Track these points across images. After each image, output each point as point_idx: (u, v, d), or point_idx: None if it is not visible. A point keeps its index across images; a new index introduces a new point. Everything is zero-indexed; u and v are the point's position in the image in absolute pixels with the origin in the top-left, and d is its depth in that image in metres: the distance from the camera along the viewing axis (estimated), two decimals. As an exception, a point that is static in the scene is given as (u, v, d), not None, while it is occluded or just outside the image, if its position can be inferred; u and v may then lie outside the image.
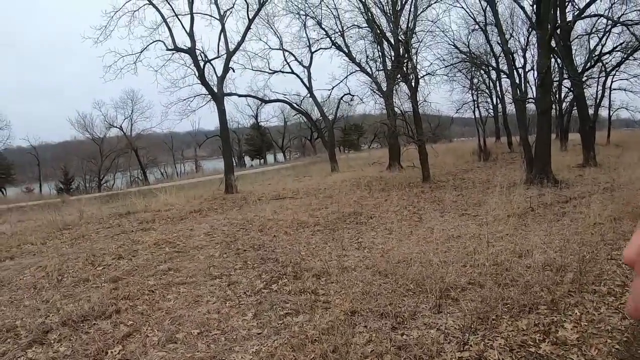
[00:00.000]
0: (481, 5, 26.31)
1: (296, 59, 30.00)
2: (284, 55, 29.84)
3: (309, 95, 30.84)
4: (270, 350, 4.61)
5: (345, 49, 26.81)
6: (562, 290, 5.60)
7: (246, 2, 22.75)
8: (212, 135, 31.07)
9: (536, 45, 18.33)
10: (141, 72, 29.21)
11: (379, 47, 24.85)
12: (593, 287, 5.78)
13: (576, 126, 29.85)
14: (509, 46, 23.91)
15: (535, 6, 15.60)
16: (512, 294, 5.53)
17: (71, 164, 56.98)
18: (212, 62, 22.26)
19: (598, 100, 31.53)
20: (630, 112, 35.67)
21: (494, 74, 36.02)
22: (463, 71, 31.79)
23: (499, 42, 23.11)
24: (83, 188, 51.68)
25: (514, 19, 31.42)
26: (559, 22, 18.78)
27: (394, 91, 21.08)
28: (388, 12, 21.78)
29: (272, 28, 29.01)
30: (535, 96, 17.99)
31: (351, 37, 27.14)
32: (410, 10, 22.27)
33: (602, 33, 25.40)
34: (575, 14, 19.84)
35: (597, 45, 26.65)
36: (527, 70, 32.57)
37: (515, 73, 25.06)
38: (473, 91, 35.75)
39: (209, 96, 21.94)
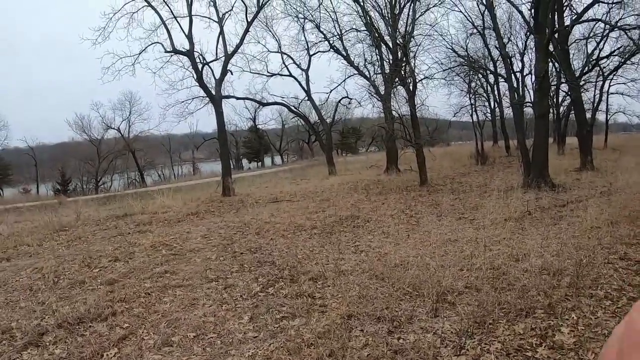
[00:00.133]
0: (479, 9, 26.40)
1: (294, 62, 30.11)
2: (282, 58, 29.97)
3: (307, 98, 30.92)
4: (266, 354, 4.60)
5: (343, 52, 26.90)
6: (559, 294, 5.60)
7: (245, 4, 22.91)
8: (210, 137, 31.09)
9: (534, 50, 18.39)
10: (139, 74, 29.19)
11: (377, 50, 24.91)
12: (590, 291, 5.78)
13: (573, 130, 29.88)
14: (507, 50, 23.92)
15: (533, 10, 15.62)
16: (509, 298, 5.52)
17: (68, 165, 56.95)
18: (210, 64, 22.37)
19: (595, 104, 31.69)
20: (627, 116, 35.93)
21: (491, 78, 36.08)
22: (461, 75, 31.79)
23: (497, 46, 23.18)
24: (80, 189, 51.59)
25: (512, 23, 31.44)
26: (557, 26, 18.82)
27: (392, 94, 21.12)
28: (386, 15, 21.84)
29: (270, 31, 29.08)
30: (532, 100, 18.04)
31: (349, 40, 27.30)
32: (408, 14, 22.37)
33: (600, 37, 25.53)
34: (573, 18, 19.82)
35: (594, 49, 26.78)
36: (525, 74, 32.59)
37: (513, 77, 25.03)
38: (471, 95, 35.79)
39: (207, 98, 22.02)
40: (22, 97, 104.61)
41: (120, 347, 5.00)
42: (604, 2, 18.96)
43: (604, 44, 26.35)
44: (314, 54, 29.46)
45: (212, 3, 21.85)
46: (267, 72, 29.45)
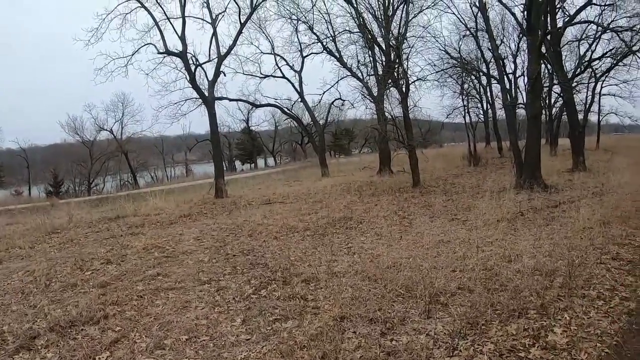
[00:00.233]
0: (472, 11, 26.50)
1: (287, 64, 30.11)
2: (276, 60, 29.95)
3: (300, 99, 30.94)
4: (259, 357, 4.59)
5: (336, 54, 26.91)
6: (551, 295, 5.62)
7: (238, 6, 22.85)
8: (203, 139, 31.02)
9: (527, 51, 18.47)
10: (132, 75, 29.21)
11: (370, 52, 24.95)
12: (582, 291, 5.82)
13: (566, 131, 30.06)
14: (499, 52, 24.08)
15: (526, 13, 15.71)
16: (501, 298, 5.54)
17: (61, 166, 56.65)
18: (203, 65, 22.30)
19: (587, 106, 32.06)
20: (619, 117, 36.23)
21: (484, 80, 36.29)
22: (454, 76, 31.94)
23: (490, 47, 23.30)
24: (72, 191, 51.45)
25: (505, 25, 31.70)
26: (550, 28, 18.95)
27: (385, 96, 21.15)
28: (379, 17, 21.88)
29: (263, 32, 29.03)
30: (525, 101, 18.13)
31: (342, 42, 27.35)
32: (401, 16, 22.43)
33: (592, 39, 25.87)
34: (566, 20, 20.01)
35: (587, 51, 27.18)
36: (517, 75, 32.88)
37: (505, 78, 25.21)
38: (463, 96, 35.87)
39: (200, 100, 21.94)
40: (16, 98, 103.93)
41: (112, 350, 4.97)
42: (596, 4, 19.22)
43: (596, 45, 26.80)
44: (307, 55, 29.53)
45: (205, 4, 21.82)
46: (260, 73, 29.51)
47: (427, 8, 23.41)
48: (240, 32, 22.82)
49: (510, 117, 18.70)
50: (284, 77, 30.28)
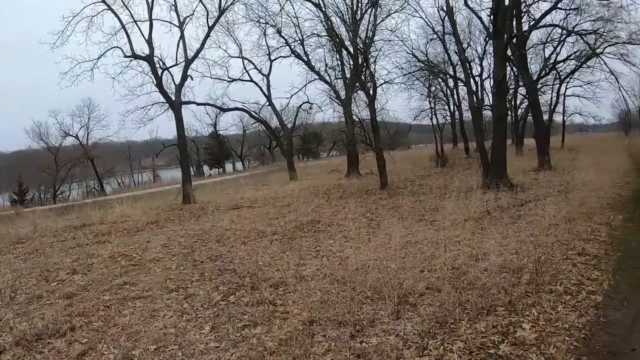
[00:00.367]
0: (440, 15, 26.83)
1: (255, 67, 29.86)
2: (244, 64, 29.67)
3: (267, 103, 30.71)
4: (228, 364, 4.54)
5: (304, 58, 26.86)
6: (519, 292, 5.72)
7: (206, 9, 22.70)
8: (170, 144, 30.57)
9: (493, 54, 18.77)
10: (98, 79, 28.47)
11: (338, 55, 25.00)
12: (550, 286, 5.94)
13: (531, 131, 30.64)
14: (466, 55, 24.42)
15: (492, 17, 15.96)
16: (469, 297, 5.60)
17: (26, 174, 55.17)
18: (170, 69, 22.02)
19: (552, 106, 33.03)
20: (583, 117, 37.38)
21: (451, 82, 36.74)
22: (421, 79, 32.34)
23: (457, 51, 23.57)
24: (38, 199, 50.21)
25: (472, 29, 32.12)
26: (515, 31, 19.31)
27: (353, 99, 21.24)
28: (348, 21, 21.95)
29: (232, 36, 28.66)
30: (491, 103, 18.39)
31: (310, 45, 27.09)
32: (369, 20, 22.54)
33: (557, 42, 26.77)
34: (531, 24, 20.44)
35: (552, 53, 28.10)
36: (483, 78, 33.41)
37: (472, 81, 25.64)
38: (431, 99, 36.39)
39: (167, 104, 21.66)
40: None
41: (79, 363, 4.87)
42: (561, 9, 19.74)
43: (560, 48, 27.71)
44: (275, 59, 29.32)
45: (173, 7, 21.56)
46: (228, 77, 29.17)
47: (395, 12, 23.65)
48: (208, 36, 22.68)
49: (477, 119, 18.98)
50: (251, 80, 30.05)
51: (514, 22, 19.31)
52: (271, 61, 29.34)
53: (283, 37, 27.14)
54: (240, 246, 9.90)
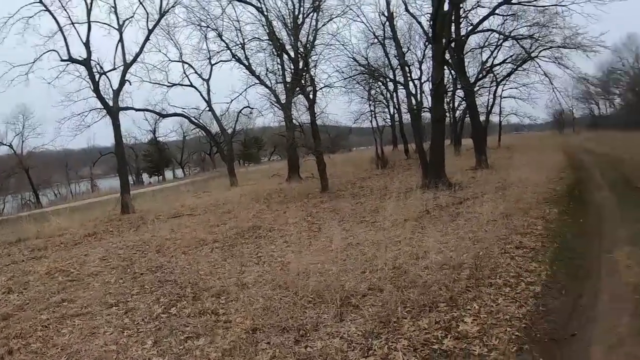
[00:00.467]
0: (381, 20, 27.05)
1: (196, 72, 29.28)
2: (184, 68, 29.09)
3: (208, 108, 30.19)
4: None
5: (245, 62, 26.50)
6: (460, 287, 5.76)
7: (147, 12, 22.26)
8: (107, 152, 29.55)
9: (431, 58, 19.10)
10: (34, 84, 27.38)
11: (279, 59, 24.86)
12: (489, 280, 6.01)
13: (469, 132, 31.47)
14: (405, 59, 24.85)
15: (431, 22, 16.28)
16: (411, 295, 5.59)
17: (-43, 186, 52.26)
18: (108, 74, 21.35)
19: (489, 108, 34.25)
20: (519, 117, 38.86)
21: (391, 85, 37.19)
22: (361, 83, 32.67)
23: (397, 55, 23.90)
24: (-31, 214, 47.66)
25: (412, 33, 32.69)
26: (454, 36, 19.82)
27: (293, 103, 21.16)
28: (289, 25, 21.86)
29: (172, 39, 28.03)
30: (430, 106, 18.71)
31: (251, 49, 26.78)
32: (310, 24, 22.57)
33: (494, 46, 28.05)
34: (469, 29, 21.03)
35: (489, 57, 29.42)
36: (423, 81, 34.28)
37: (411, 84, 26.08)
38: (371, 102, 36.75)
39: (104, 110, 20.99)
40: None
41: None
42: (499, 14, 20.46)
43: (497, 52, 29.06)
44: (215, 63, 28.85)
45: (113, 9, 21.04)
46: (168, 82, 28.53)
47: (336, 16, 23.66)
48: (147, 39, 22.25)
49: (416, 121, 19.30)
50: (191, 85, 29.51)
51: (453, 28, 19.89)
52: (212, 65, 28.91)
53: (224, 41, 26.73)
54: (181, 256, 9.64)
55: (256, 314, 5.61)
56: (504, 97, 37.72)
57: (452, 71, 25.90)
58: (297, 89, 20.78)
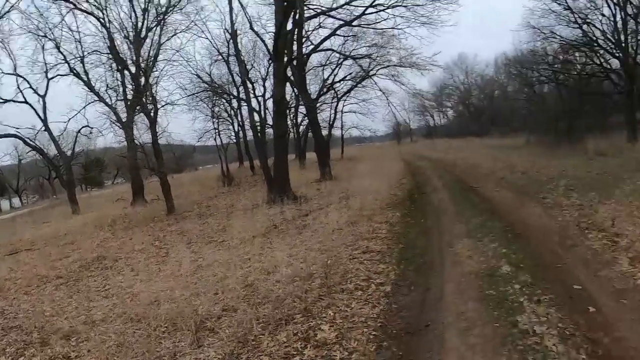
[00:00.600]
0: (225, 37, 27.08)
1: (31, 87, 26.47)
2: (17, 82, 26.40)
3: (44, 128, 27.73)
4: None
5: (84, 77, 24.72)
6: (313, 297, 5.91)
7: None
8: None
9: (273, 76, 19.44)
10: None
11: (119, 75, 23.69)
12: (340, 286, 6.23)
13: (313, 146, 32.55)
14: (249, 76, 25.22)
15: (274, 41, 16.58)
16: (266, 310, 5.65)
17: None
18: None
19: (331, 122, 36.42)
20: (360, 130, 42.14)
21: (235, 102, 37.17)
22: (205, 100, 32.36)
23: (240, 72, 24.07)
24: None
25: (257, 51, 32.96)
26: (296, 54, 20.39)
27: (134, 122, 20.35)
28: (131, 38, 20.98)
29: (6, 49, 25.36)
30: (272, 122, 19.01)
31: (91, 63, 25.05)
32: (153, 38, 21.87)
33: (335, 65, 30.49)
34: (311, 48, 22.04)
35: (330, 75, 31.72)
36: (266, 98, 34.70)
37: (255, 101, 26.38)
38: (214, 119, 36.44)
39: None
40: None
41: None
42: (339, 35, 22.09)
43: (338, 70, 31.55)
44: (52, 77, 26.48)
45: None
46: (0, 98, 25.83)
47: (181, 32, 23.41)
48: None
49: (258, 137, 19.51)
50: (26, 102, 26.72)
51: (295, 46, 20.49)
52: (48, 80, 26.45)
53: (62, 52, 24.79)
54: (23, 297, 8.87)
55: (110, 352, 5.34)
56: (345, 112, 40.55)
57: (294, 88, 26.73)
58: (138, 107, 20.02)
